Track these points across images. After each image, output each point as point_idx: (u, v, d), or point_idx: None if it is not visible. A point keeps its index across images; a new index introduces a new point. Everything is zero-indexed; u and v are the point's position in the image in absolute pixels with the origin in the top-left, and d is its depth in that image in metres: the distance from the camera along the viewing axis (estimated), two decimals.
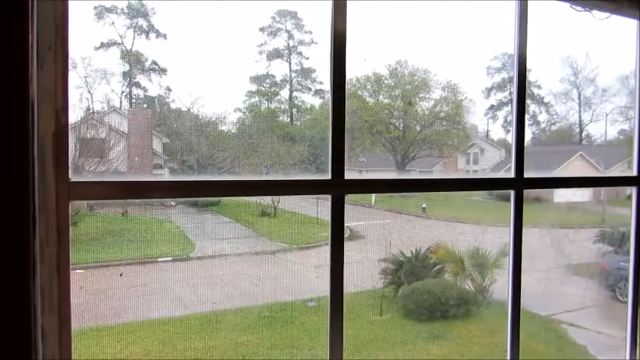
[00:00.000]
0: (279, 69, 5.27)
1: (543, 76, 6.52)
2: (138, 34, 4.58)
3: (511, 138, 2.39)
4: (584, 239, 6.88)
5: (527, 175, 2.35)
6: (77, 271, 4.09)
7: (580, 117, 6.95)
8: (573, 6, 2.43)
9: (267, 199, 4.96)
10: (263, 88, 5.27)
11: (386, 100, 6.09)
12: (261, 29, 5.11)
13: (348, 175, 1.85)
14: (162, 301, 4.57)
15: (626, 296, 2.86)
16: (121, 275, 4.44)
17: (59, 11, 1.35)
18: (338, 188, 1.84)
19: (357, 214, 5.73)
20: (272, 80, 5.32)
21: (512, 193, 2.33)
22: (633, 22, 2.68)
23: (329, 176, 1.83)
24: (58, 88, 1.35)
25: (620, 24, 2.58)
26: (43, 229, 1.33)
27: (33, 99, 1.27)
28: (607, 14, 2.50)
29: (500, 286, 5.45)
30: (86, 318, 4.03)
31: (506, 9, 2.36)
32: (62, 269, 1.37)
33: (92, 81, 4.34)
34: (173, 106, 4.85)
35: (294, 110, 5.56)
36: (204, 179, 1.68)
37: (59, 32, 1.35)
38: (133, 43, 4.59)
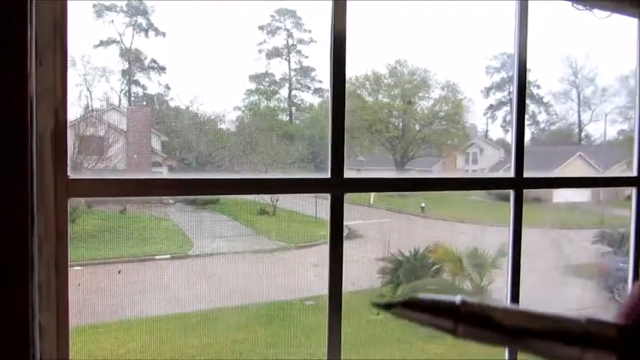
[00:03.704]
0: (279, 67, 5.28)
1: (543, 76, 6.53)
2: (137, 32, 4.58)
3: (510, 138, 2.39)
4: (583, 240, 6.88)
5: (526, 175, 2.35)
6: (75, 268, 4.09)
7: (579, 117, 6.96)
8: (574, 5, 2.43)
9: (265, 198, 4.96)
10: (262, 87, 5.27)
11: (385, 100, 6.10)
12: (261, 28, 5.12)
13: (348, 174, 1.85)
14: (160, 298, 4.58)
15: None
16: (119, 272, 4.44)
17: (58, 8, 1.34)
18: (337, 187, 1.83)
19: (356, 213, 5.73)
20: (271, 79, 5.32)
21: (511, 192, 2.33)
22: (634, 21, 2.67)
23: (328, 175, 1.83)
24: (57, 86, 1.34)
25: (620, 23, 2.58)
26: (42, 226, 1.32)
27: (32, 96, 1.27)
28: (608, 13, 2.49)
29: (499, 285, 5.45)
30: (84, 315, 4.03)
31: (506, 8, 2.36)
32: (60, 266, 1.36)
33: (91, 79, 4.34)
34: (172, 104, 4.85)
35: (294, 109, 5.57)
36: (203, 177, 1.68)
37: (58, 29, 1.34)
38: (132, 41, 4.59)
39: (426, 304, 0.56)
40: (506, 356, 2.36)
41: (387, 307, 0.56)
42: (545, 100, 6.76)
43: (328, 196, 1.84)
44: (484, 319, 0.55)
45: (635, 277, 2.75)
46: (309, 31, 5.28)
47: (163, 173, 4.65)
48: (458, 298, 0.55)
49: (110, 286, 4.38)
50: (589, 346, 0.52)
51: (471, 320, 0.55)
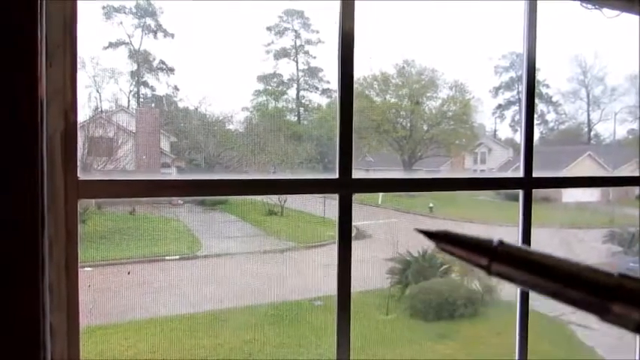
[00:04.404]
0: (287, 68, 5.28)
1: (552, 75, 6.49)
2: (146, 34, 4.60)
3: (519, 137, 2.38)
4: (593, 239, 6.83)
5: (535, 174, 2.34)
6: (85, 269, 4.11)
7: (589, 116, 6.91)
8: (583, 4, 2.41)
9: (273, 198, 4.97)
10: (270, 88, 5.27)
11: (393, 100, 6.09)
12: (269, 28, 5.12)
13: (356, 174, 1.84)
14: (170, 299, 4.59)
15: None
16: (128, 274, 4.46)
17: (68, 10, 1.35)
18: (345, 187, 1.83)
19: (364, 213, 5.73)
20: (279, 79, 5.32)
21: (520, 192, 2.32)
22: None
23: (336, 175, 1.83)
24: (67, 88, 1.35)
25: (629, 22, 2.56)
26: (52, 228, 1.33)
27: (42, 98, 1.28)
28: (617, 12, 2.48)
29: (508, 286, 5.42)
30: (94, 316, 4.05)
31: (515, 8, 2.35)
32: (70, 267, 1.37)
33: (100, 80, 4.36)
34: (181, 105, 4.86)
35: (302, 109, 5.56)
36: (212, 178, 1.68)
37: (68, 31, 1.35)
38: (140, 43, 4.61)
39: (465, 240, 0.59)
40: (517, 357, 2.35)
41: (429, 235, 0.61)
42: (554, 99, 6.72)
43: (336, 196, 1.84)
44: (519, 259, 0.58)
45: None
46: (317, 32, 5.28)
47: (172, 174, 4.67)
48: (496, 239, 0.58)
49: (120, 287, 4.40)
50: (618, 298, 0.53)
51: (505, 259, 0.57)
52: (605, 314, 0.54)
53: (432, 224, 6.29)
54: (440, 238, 0.60)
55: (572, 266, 0.56)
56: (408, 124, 6.15)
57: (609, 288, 0.54)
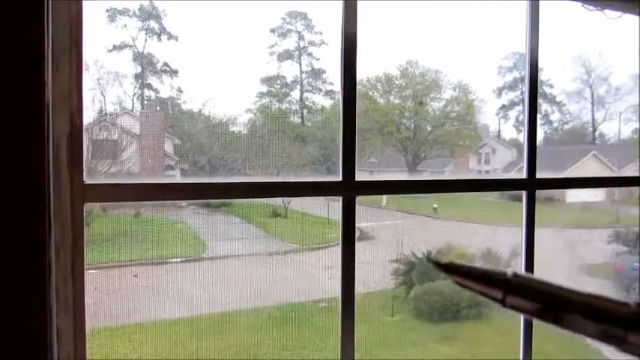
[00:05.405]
0: (290, 70, 5.28)
1: (555, 75, 6.49)
2: (149, 36, 4.61)
3: (523, 138, 2.38)
4: (598, 239, 6.81)
5: (539, 175, 2.33)
6: (90, 271, 4.12)
7: (593, 116, 6.90)
8: (585, 5, 2.41)
9: (278, 200, 4.97)
10: (274, 89, 5.28)
11: (396, 101, 6.08)
12: (272, 30, 5.13)
13: (359, 176, 1.84)
14: (174, 301, 4.59)
15: None
16: (135, 277, 4.47)
17: (74, 14, 1.36)
18: (349, 190, 1.84)
19: (368, 214, 5.72)
20: (283, 81, 5.32)
21: (524, 193, 2.32)
22: None
23: (340, 178, 1.83)
24: (73, 91, 1.36)
25: (633, 22, 2.55)
26: (58, 231, 1.34)
27: (48, 101, 1.29)
28: (619, 13, 2.48)
29: None
30: (100, 318, 4.06)
31: (518, 8, 2.35)
32: (77, 270, 1.38)
33: (105, 83, 4.38)
34: (184, 107, 4.88)
35: (305, 111, 5.56)
36: (216, 181, 1.69)
37: (74, 35, 1.36)
38: (144, 45, 4.63)
39: (478, 272, 0.59)
40: (521, 357, 2.35)
41: (442, 267, 0.60)
42: (558, 99, 6.71)
43: (340, 198, 1.85)
44: (533, 291, 0.58)
45: None
46: (320, 33, 5.29)
47: (176, 177, 4.68)
48: (509, 271, 0.58)
49: (125, 289, 4.41)
50: (634, 327, 0.53)
51: (520, 292, 0.57)
52: (621, 344, 0.53)
53: (436, 225, 6.28)
54: (453, 270, 0.59)
55: (588, 298, 0.55)
56: (412, 125, 6.15)
57: (625, 318, 0.53)
